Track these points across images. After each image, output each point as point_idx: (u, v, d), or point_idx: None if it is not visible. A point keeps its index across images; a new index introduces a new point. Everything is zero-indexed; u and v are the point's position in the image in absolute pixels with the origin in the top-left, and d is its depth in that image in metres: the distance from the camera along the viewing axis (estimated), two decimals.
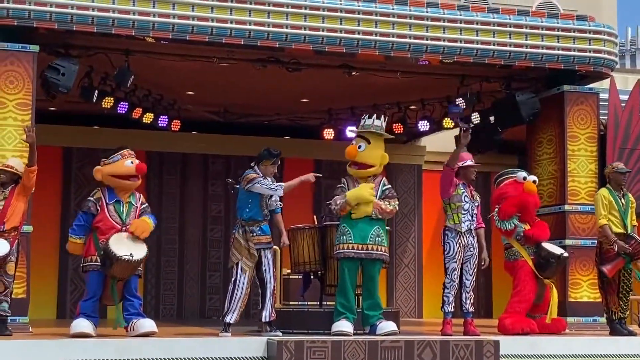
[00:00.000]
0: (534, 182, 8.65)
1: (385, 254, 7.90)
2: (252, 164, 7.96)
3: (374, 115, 8.03)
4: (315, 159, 12.79)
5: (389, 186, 8.05)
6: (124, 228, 7.60)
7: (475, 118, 10.91)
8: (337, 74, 10.07)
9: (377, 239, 7.83)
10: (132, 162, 7.71)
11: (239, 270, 7.77)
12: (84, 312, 7.51)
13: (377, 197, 7.87)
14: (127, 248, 7.39)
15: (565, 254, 8.68)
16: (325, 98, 11.61)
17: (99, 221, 7.62)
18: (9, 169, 7.69)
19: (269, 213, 7.99)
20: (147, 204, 7.86)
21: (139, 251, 7.46)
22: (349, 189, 7.84)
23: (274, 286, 7.95)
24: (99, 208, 7.64)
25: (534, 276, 8.51)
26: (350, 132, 8.40)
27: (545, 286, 8.59)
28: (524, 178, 8.60)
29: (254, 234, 7.81)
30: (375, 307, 7.88)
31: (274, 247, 8.13)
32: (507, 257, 8.67)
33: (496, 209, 8.58)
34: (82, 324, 7.39)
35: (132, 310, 7.62)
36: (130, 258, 7.35)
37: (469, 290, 8.30)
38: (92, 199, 7.71)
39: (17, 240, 7.60)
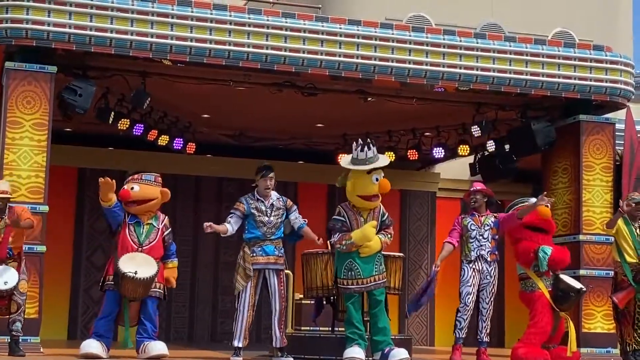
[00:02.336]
0: (547, 205, 8.57)
1: (385, 280, 7.85)
2: (253, 185, 8.01)
3: (365, 147, 7.68)
4: (329, 184, 12.75)
5: (387, 214, 7.89)
6: (139, 249, 7.59)
7: (491, 146, 10.88)
8: (353, 99, 10.08)
9: (380, 267, 7.78)
10: (131, 188, 7.69)
11: (239, 292, 7.74)
12: (97, 332, 7.50)
13: (378, 227, 7.76)
14: (135, 266, 7.38)
15: (584, 289, 8.57)
16: (341, 123, 11.62)
17: (120, 240, 7.63)
18: (5, 195, 7.55)
19: (294, 232, 7.94)
20: (170, 230, 7.86)
21: (146, 271, 7.43)
22: (348, 221, 7.68)
23: (282, 310, 7.87)
24: (121, 226, 7.66)
25: (550, 308, 8.43)
26: (352, 165, 7.92)
27: (560, 318, 8.51)
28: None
29: (254, 254, 7.78)
30: (384, 332, 7.80)
31: (287, 272, 8.09)
32: (524, 287, 8.57)
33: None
34: (91, 345, 7.37)
35: (144, 334, 7.59)
36: (134, 275, 7.32)
37: (485, 319, 8.25)
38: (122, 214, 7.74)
39: (23, 260, 7.59)
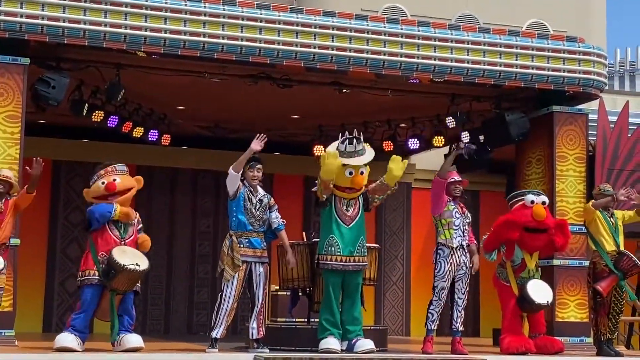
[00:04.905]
0: (544, 203, 8.54)
1: (366, 263, 7.93)
2: (241, 178, 7.99)
3: (351, 139, 7.86)
4: (306, 175, 12.79)
5: (365, 191, 8.03)
6: (122, 242, 7.59)
7: (465, 137, 10.94)
8: (328, 91, 10.09)
9: (362, 249, 7.85)
10: (103, 183, 7.72)
11: (225, 283, 7.76)
12: (74, 327, 7.47)
13: (360, 210, 7.90)
14: (131, 259, 7.40)
15: (549, 304, 8.49)
16: (316, 115, 11.63)
17: (98, 235, 7.60)
18: (8, 179, 7.58)
19: (270, 230, 7.98)
20: (142, 224, 7.90)
21: (143, 262, 7.48)
22: (333, 201, 7.82)
23: (263, 303, 7.90)
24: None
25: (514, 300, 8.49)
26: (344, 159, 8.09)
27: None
28: (532, 202, 8.47)
29: (241, 245, 7.80)
30: (356, 321, 7.86)
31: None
32: (499, 274, 8.67)
33: (484, 237, 8.60)
34: (66, 339, 7.34)
35: (120, 327, 7.57)
36: (137, 268, 7.35)
37: (460, 309, 8.31)
38: None
39: (7, 255, 7.57)
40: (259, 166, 8.01)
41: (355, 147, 7.86)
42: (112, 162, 7.94)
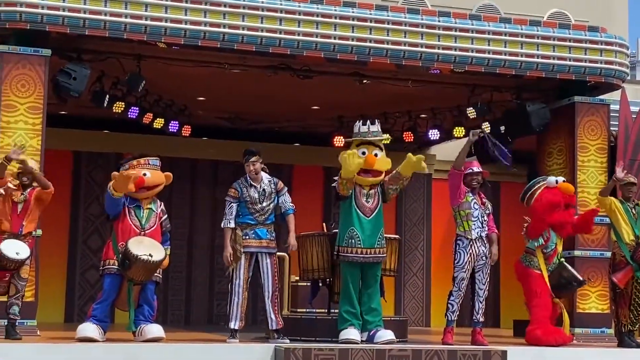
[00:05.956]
0: (564, 181, 8.69)
1: (385, 255, 7.95)
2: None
3: (368, 122, 7.94)
4: (325, 166, 12.79)
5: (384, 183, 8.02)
6: (142, 233, 7.60)
7: (486, 127, 10.89)
8: (348, 81, 10.07)
9: (382, 241, 7.87)
10: (143, 174, 7.67)
11: (232, 274, 7.78)
12: (95, 316, 7.51)
13: (379, 201, 7.88)
14: (146, 249, 7.41)
15: (585, 281, 8.83)
16: (336, 106, 11.62)
17: (119, 225, 7.63)
18: (33, 170, 7.65)
19: (277, 217, 7.96)
20: (167, 216, 7.86)
21: (158, 254, 7.48)
22: (353, 192, 7.80)
23: (274, 293, 7.88)
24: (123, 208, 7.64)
25: (548, 289, 8.48)
26: (346, 140, 8.30)
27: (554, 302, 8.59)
28: (556, 182, 8.59)
29: (246, 237, 7.81)
30: (375, 312, 7.85)
31: (282, 254, 8.11)
32: (525, 261, 8.62)
33: (525, 226, 8.60)
34: (88, 329, 7.39)
35: (140, 317, 7.61)
36: (149, 258, 7.35)
37: (481, 300, 8.29)
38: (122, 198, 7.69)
39: (32, 246, 7.64)
40: (254, 159, 7.93)
41: (369, 127, 7.88)
42: (146, 154, 7.94)
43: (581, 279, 8.70)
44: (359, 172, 7.87)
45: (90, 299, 11.53)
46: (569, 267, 8.66)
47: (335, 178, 7.89)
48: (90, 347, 7.10)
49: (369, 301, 7.86)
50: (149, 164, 7.80)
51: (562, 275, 8.53)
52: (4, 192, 7.51)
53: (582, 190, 9.70)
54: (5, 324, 7.57)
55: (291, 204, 8.03)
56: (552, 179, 8.66)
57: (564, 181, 8.68)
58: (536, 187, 8.66)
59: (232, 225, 7.86)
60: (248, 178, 7.96)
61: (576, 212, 8.86)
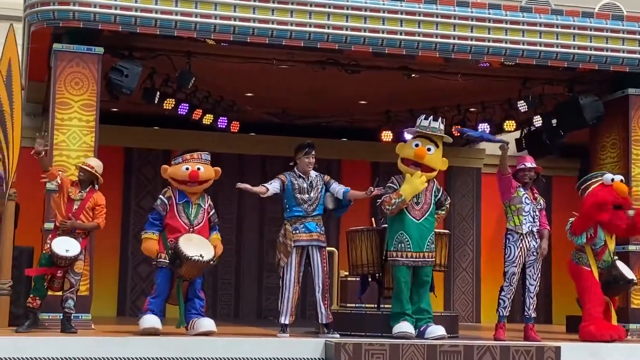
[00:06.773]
0: (621, 180, 8.51)
1: (434, 259, 7.97)
2: (291, 164, 8.00)
3: (431, 117, 7.98)
4: (373, 161, 12.76)
5: (441, 189, 8.05)
6: (191, 229, 7.65)
7: (537, 121, 10.78)
8: (396, 76, 10.03)
9: (432, 245, 7.85)
10: (187, 168, 7.70)
11: (283, 270, 7.80)
12: (152, 310, 7.60)
13: (431, 204, 7.84)
14: (197, 249, 7.47)
15: (636, 280, 8.62)
16: (384, 100, 11.57)
17: (168, 220, 7.69)
18: (89, 169, 7.76)
19: (340, 206, 7.94)
20: (214, 211, 7.90)
21: (208, 252, 7.53)
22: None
23: (325, 287, 7.90)
24: (168, 207, 7.70)
25: (599, 285, 8.38)
26: (408, 132, 8.32)
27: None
28: (612, 180, 8.42)
29: (297, 231, 7.81)
30: (424, 313, 7.87)
31: (331, 249, 8.11)
32: (575, 258, 8.52)
33: (570, 221, 8.48)
34: (151, 319, 7.48)
35: (192, 310, 7.69)
36: (200, 259, 7.41)
37: (532, 296, 8.21)
38: (162, 197, 7.76)
39: (87, 243, 7.75)
40: (314, 152, 7.96)
41: (430, 122, 7.87)
42: (199, 149, 7.98)
43: (630, 277, 8.49)
44: (409, 164, 7.85)
45: (142, 293, 11.68)
46: (619, 266, 8.49)
47: (387, 196, 7.74)
48: (143, 340, 7.19)
49: (419, 301, 7.85)
50: (201, 158, 7.85)
51: (611, 273, 8.41)
52: (59, 183, 7.62)
53: (637, 184, 9.54)
54: (61, 317, 7.71)
55: (341, 186, 7.98)
56: (608, 176, 8.49)
57: (620, 180, 8.48)
58: (593, 180, 8.55)
59: (267, 187, 7.81)
60: (296, 170, 7.98)
61: (631, 207, 8.65)
